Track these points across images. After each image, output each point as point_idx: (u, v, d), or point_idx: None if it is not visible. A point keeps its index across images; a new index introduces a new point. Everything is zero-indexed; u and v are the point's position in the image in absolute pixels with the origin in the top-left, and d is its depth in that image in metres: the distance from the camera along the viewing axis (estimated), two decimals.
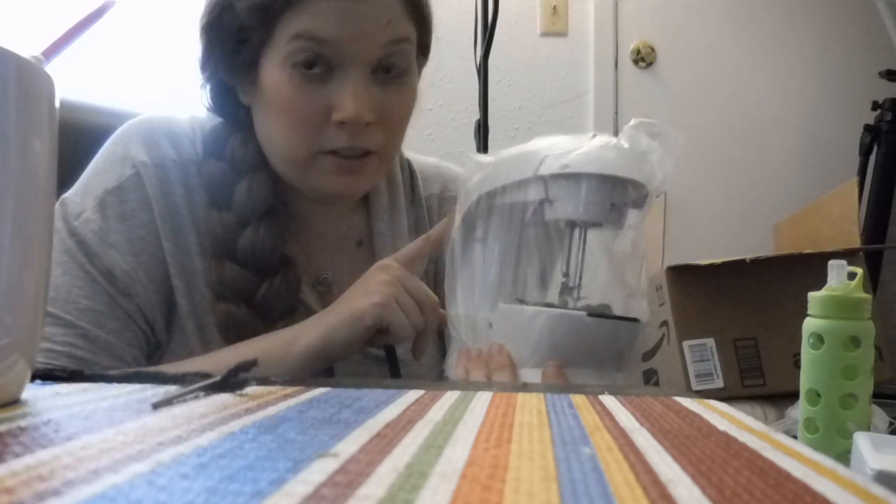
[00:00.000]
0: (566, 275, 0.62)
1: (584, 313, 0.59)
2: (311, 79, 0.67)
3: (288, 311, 0.71)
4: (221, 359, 0.64)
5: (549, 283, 0.67)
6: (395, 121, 0.71)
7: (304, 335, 0.65)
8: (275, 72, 0.68)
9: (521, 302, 0.64)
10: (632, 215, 0.62)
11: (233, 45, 0.70)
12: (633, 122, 0.61)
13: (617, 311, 0.61)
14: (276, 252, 0.71)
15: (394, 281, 0.66)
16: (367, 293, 0.66)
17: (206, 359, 0.66)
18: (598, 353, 0.60)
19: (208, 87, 0.75)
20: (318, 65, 0.67)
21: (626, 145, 0.59)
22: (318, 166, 0.70)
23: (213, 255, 0.71)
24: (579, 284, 0.62)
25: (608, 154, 0.59)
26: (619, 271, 0.63)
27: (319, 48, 0.67)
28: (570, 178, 0.59)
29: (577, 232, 0.62)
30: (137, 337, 0.69)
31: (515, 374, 0.61)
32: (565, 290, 0.62)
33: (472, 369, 0.63)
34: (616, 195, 0.60)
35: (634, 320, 0.60)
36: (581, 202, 0.60)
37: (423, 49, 0.77)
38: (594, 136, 0.61)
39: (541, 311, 0.60)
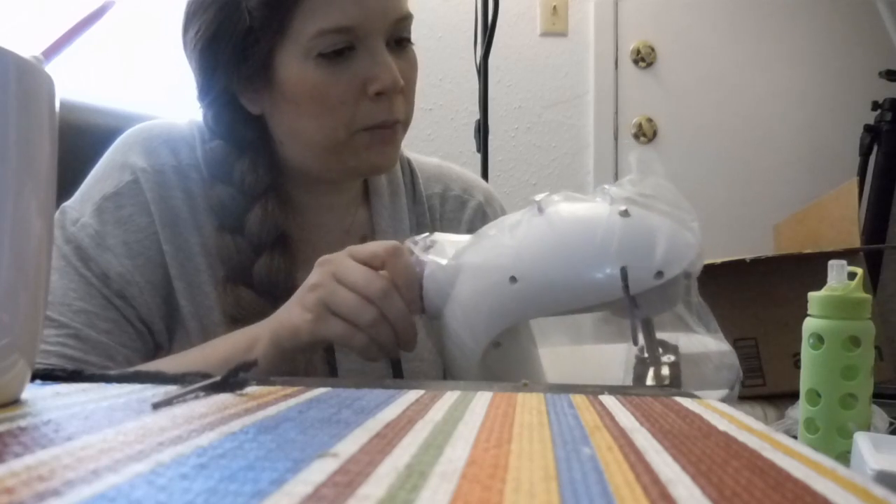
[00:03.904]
0: (646, 355, 0.57)
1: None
2: (338, 62, 0.69)
3: None
4: (190, 360, 0.63)
5: None
6: (410, 88, 0.74)
7: (260, 340, 0.62)
8: (296, 66, 0.69)
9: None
10: None
11: (240, 52, 0.69)
12: (638, 155, 0.56)
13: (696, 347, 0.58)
14: (291, 278, 0.71)
15: (325, 282, 0.58)
16: (303, 304, 0.59)
17: (172, 360, 0.65)
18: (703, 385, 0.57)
19: (211, 111, 0.74)
20: (343, 49, 0.69)
21: (682, 216, 0.55)
22: (355, 145, 0.71)
23: (228, 279, 0.71)
24: (659, 358, 0.57)
25: (683, 239, 0.54)
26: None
27: (345, 36, 0.68)
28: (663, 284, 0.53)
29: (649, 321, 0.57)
30: (132, 338, 0.69)
31: None
32: (642, 364, 0.57)
33: None
34: (692, 267, 0.55)
35: (728, 350, 0.58)
36: (670, 297, 0.55)
37: None
38: (626, 210, 0.54)
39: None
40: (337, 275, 0.58)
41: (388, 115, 0.70)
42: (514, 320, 0.58)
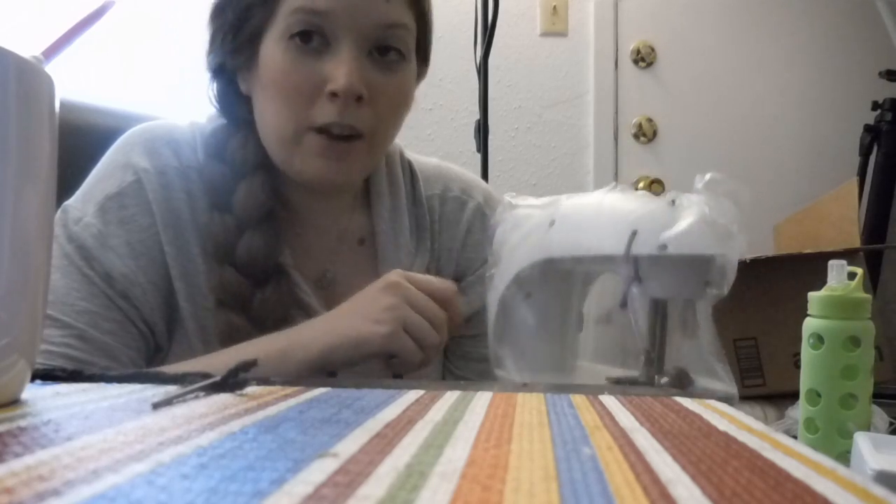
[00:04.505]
0: (651, 348, 0.58)
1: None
2: (306, 52, 0.68)
3: (280, 322, 0.70)
4: (218, 362, 0.63)
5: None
6: (387, 105, 0.71)
7: (302, 347, 0.64)
8: (272, 47, 0.69)
9: (617, 383, 0.59)
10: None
11: (236, 25, 0.71)
12: (708, 178, 0.57)
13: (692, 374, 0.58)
14: (271, 260, 0.71)
15: (400, 304, 0.64)
16: (374, 319, 0.64)
17: (201, 361, 0.65)
18: None
19: (214, 84, 0.76)
20: (314, 39, 0.68)
21: (716, 218, 0.56)
22: (305, 146, 0.70)
23: (215, 258, 0.71)
24: (663, 356, 0.59)
25: (705, 232, 0.55)
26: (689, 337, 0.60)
27: (317, 20, 0.68)
28: (666, 258, 0.55)
29: (660, 306, 0.59)
30: (135, 338, 0.69)
31: None
32: (649, 362, 0.58)
33: None
34: (709, 272, 0.56)
35: (733, 395, 0.58)
36: (678, 283, 0.57)
37: (422, 53, 0.77)
38: (673, 201, 0.57)
39: None
40: (409, 300, 0.64)
41: (342, 119, 0.68)
42: (545, 255, 0.64)
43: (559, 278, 0.65)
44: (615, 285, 0.61)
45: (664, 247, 0.55)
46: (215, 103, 0.77)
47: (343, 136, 0.69)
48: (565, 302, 0.67)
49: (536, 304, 0.66)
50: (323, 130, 0.69)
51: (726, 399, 0.57)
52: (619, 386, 0.57)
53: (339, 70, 0.67)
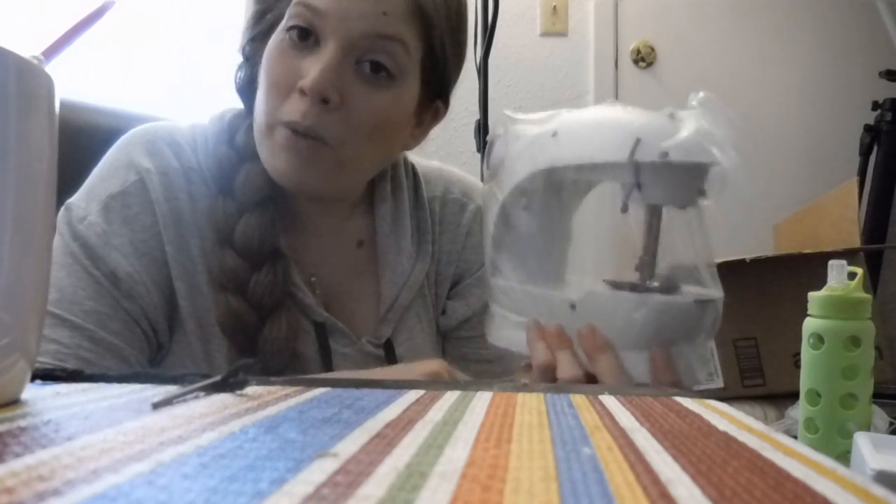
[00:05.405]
0: (645, 253, 0.61)
1: (690, 300, 0.59)
2: (298, 47, 0.69)
3: (276, 306, 0.71)
4: None
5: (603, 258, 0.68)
6: (360, 119, 0.69)
7: None
8: (274, 38, 0.71)
9: (614, 286, 0.63)
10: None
11: (260, 13, 0.73)
12: (701, 95, 0.60)
13: (682, 284, 0.62)
14: (266, 243, 0.72)
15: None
16: None
17: None
18: (692, 333, 0.61)
19: (240, 72, 0.77)
20: (309, 38, 0.68)
21: (713, 131, 0.59)
22: (273, 140, 0.69)
23: (217, 241, 0.71)
24: (655, 261, 0.62)
25: (704, 141, 0.58)
26: (683, 245, 0.63)
27: (311, 17, 0.68)
28: (666, 165, 0.58)
29: (656, 212, 0.62)
30: (139, 339, 0.69)
31: (616, 355, 0.60)
32: (644, 267, 0.61)
33: (557, 348, 0.61)
34: (704, 180, 0.60)
35: (719, 297, 0.61)
36: (675, 189, 0.60)
37: (434, 84, 0.76)
38: (671, 114, 0.59)
39: (647, 298, 0.60)
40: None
41: (304, 119, 0.66)
42: (548, 165, 0.66)
43: (558, 189, 0.67)
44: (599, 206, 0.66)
45: (665, 154, 0.57)
46: (237, 87, 0.77)
47: (305, 136, 0.68)
48: (561, 213, 0.69)
49: (534, 213, 0.68)
50: (289, 126, 0.68)
51: (711, 301, 0.60)
52: (619, 386, 0.57)
53: (314, 68, 0.67)
